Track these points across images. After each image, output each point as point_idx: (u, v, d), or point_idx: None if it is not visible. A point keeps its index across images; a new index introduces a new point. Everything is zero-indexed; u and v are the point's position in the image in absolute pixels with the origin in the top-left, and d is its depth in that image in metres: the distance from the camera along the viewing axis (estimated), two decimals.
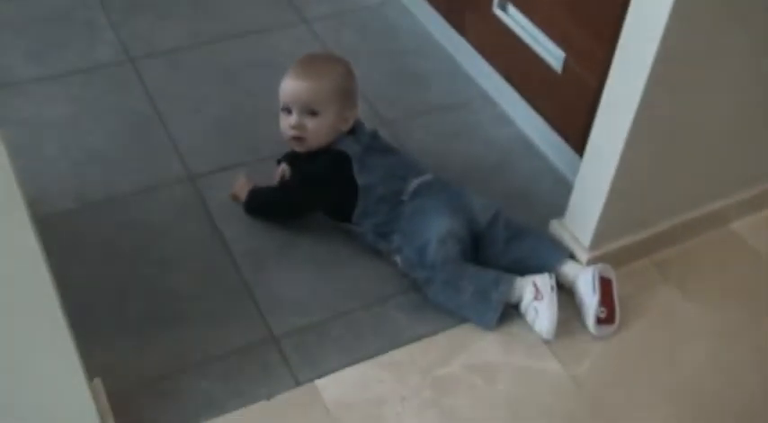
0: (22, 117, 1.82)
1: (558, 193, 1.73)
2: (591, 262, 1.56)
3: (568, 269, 1.55)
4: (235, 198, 1.69)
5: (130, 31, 2.09)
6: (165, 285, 1.55)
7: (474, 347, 1.48)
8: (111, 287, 1.54)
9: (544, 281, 1.48)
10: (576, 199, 1.57)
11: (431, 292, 1.52)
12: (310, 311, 1.52)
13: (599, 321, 1.49)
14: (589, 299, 1.49)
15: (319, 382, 1.41)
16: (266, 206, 1.67)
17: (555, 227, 1.62)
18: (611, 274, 1.52)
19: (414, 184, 1.60)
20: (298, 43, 2.10)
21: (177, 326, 1.49)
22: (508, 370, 1.45)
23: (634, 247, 1.62)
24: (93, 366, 1.20)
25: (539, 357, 1.47)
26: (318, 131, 1.59)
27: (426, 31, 2.16)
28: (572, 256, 1.57)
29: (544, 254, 1.57)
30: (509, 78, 1.87)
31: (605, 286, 1.51)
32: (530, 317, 1.50)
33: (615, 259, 1.60)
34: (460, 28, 1.99)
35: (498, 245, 1.57)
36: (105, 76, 1.96)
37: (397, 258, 1.58)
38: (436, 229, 1.51)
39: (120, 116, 1.86)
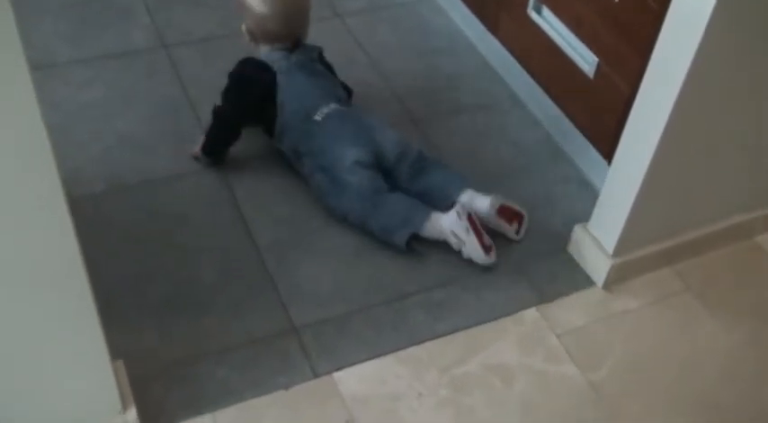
0: (56, 99, 1.85)
1: (584, 198, 1.73)
2: (614, 269, 1.57)
3: (467, 198, 1.64)
4: (195, 156, 1.75)
5: (166, 19, 2.11)
6: (188, 271, 1.57)
7: (493, 348, 1.49)
8: (136, 271, 1.56)
9: (458, 226, 1.56)
10: (601, 205, 1.57)
11: (353, 222, 1.64)
12: (331, 304, 1.53)
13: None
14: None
15: (337, 375, 1.42)
16: (210, 134, 1.73)
17: (578, 232, 1.62)
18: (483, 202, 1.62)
19: (330, 107, 1.68)
20: (330, 37, 2.10)
21: (199, 312, 1.50)
22: (526, 372, 1.46)
23: (657, 256, 1.62)
24: (114, 348, 1.22)
25: (557, 361, 1.48)
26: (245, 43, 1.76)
27: (459, 29, 2.17)
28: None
29: (446, 186, 1.66)
30: (540, 81, 1.87)
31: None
32: (465, 257, 1.60)
33: (638, 267, 1.60)
34: (493, 28, 1.98)
35: (405, 178, 1.67)
36: (140, 62, 1.98)
37: (313, 181, 1.67)
38: (344, 159, 1.61)
39: (153, 102, 1.88)
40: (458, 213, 1.56)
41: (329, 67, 1.83)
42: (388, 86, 1.99)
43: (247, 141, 1.79)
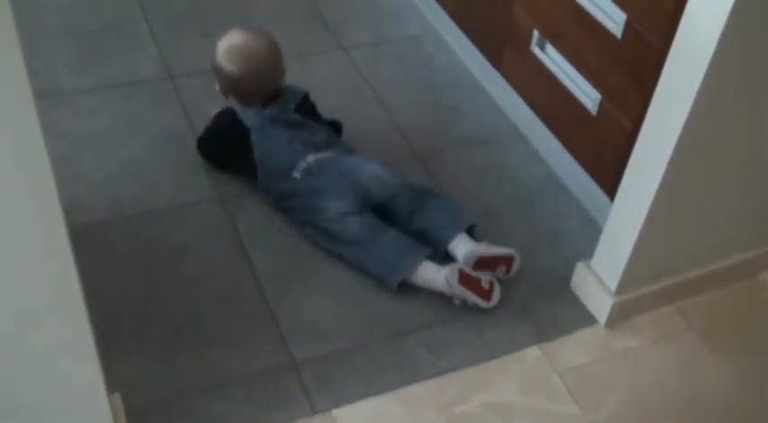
0: (62, 127, 1.85)
1: (587, 235, 1.72)
2: (617, 307, 1.56)
3: (453, 245, 1.63)
4: (207, 116, 1.82)
5: (173, 49, 2.12)
6: (189, 303, 1.56)
7: (494, 386, 1.47)
8: (137, 301, 1.55)
9: (454, 290, 1.54)
10: (604, 242, 1.56)
11: (347, 260, 1.63)
12: (332, 339, 1.52)
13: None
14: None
15: (336, 412, 1.41)
16: (201, 142, 1.82)
17: (581, 269, 1.61)
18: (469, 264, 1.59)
19: (308, 160, 1.68)
20: (334, 70, 2.12)
21: (199, 345, 1.49)
22: (527, 411, 1.44)
23: (660, 294, 1.61)
24: (113, 380, 1.21)
25: (558, 400, 1.46)
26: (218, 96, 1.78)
27: (462, 64, 2.18)
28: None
29: (442, 230, 1.65)
30: (542, 116, 1.87)
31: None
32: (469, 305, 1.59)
33: (641, 305, 1.59)
34: (497, 63, 1.99)
35: (401, 219, 1.66)
36: (146, 92, 1.99)
37: (305, 232, 1.68)
38: (328, 212, 1.62)
39: (157, 132, 1.89)
40: (447, 281, 1.54)
41: (311, 110, 1.81)
42: (390, 120, 1.99)
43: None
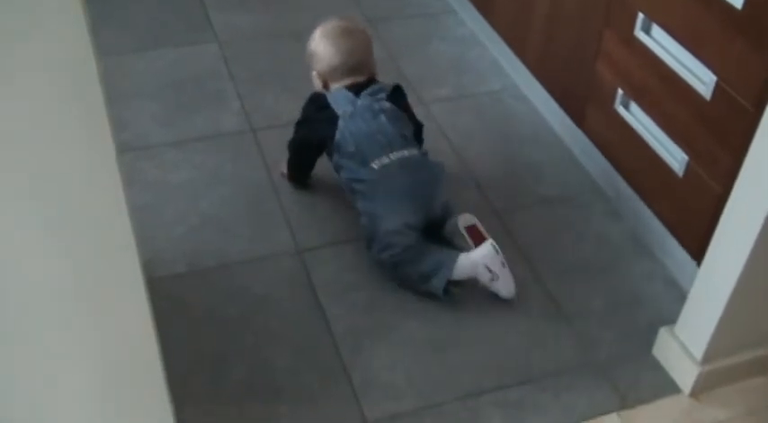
0: (147, 180, 1.90)
1: (670, 299, 1.67)
2: (701, 377, 1.49)
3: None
4: (282, 174, 1.92)
5: (255, 103, 2.16)
6: (263, 356, 1.56)
7: None
8: (210, 353, 1.56)
9: (494, 260, 1.60)
10: (689, 308, 1.50)
11: (387, 270, 1.68)
12: (405, 398, 1.50)
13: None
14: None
15: None
16: (288, 164, 1.89)
17: (664, 335, 1.55)
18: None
19: (390, 157, 1.70)
20: None
21: (271, 399, 1.49)
22: None
23: (750, 364, 1.53)
24: None
25: None
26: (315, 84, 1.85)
27: (543, 119, 2.16)
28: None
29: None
30: (625, 175, 1.83)
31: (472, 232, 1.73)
32: (492, 290, 1.64)
33: (728, 375, 1.52)
34: (579, 120, 1.97)
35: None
36: (227, 145, 2.03)
37: (362, 220, 1.72)
38: (392, 216, 1.66)
39: (238, 185, 1.92)
40: (494, 247, 1.58)
41: (403, 101, 1.83)
42: (469, 174, 1.98)
43: (324, 228, 1.81)
